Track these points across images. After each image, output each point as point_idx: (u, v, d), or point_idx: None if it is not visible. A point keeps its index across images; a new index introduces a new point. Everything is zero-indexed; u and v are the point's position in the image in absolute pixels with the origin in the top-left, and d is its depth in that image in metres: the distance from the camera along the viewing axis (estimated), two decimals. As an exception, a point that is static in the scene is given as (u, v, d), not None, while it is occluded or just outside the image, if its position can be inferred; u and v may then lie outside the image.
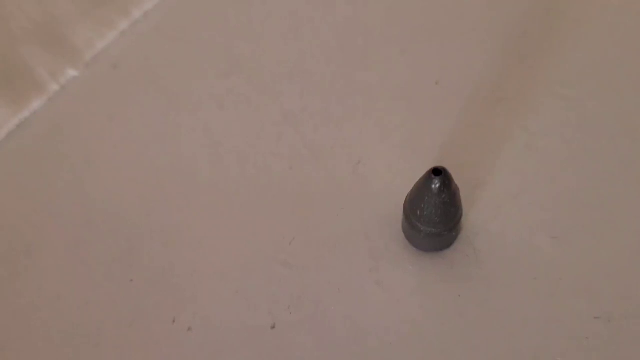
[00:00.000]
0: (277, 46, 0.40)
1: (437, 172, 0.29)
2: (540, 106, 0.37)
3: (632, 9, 0.40)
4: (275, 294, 0.33)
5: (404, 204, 0.32)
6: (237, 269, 0.33)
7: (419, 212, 0.30)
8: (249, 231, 0.34)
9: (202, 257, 0.34)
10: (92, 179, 0.36)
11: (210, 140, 0.37)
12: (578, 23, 0.40)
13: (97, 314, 0.33)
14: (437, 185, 0.29)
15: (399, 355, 0.31)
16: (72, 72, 0.40)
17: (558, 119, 0.36)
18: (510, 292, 0.32)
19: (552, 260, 0.32)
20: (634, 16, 0.40)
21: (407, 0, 0.41)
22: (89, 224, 0.35)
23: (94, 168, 0.37)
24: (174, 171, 0.36)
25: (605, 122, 0.36)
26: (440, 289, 0.32)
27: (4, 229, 0.35)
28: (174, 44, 0.41)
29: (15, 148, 0.38)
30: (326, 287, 0.33)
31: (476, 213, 0.34)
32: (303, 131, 0.37)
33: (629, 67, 0.38)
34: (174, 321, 0.32)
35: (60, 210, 0.35)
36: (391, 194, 0.34)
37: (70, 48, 0.40)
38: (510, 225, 0.33)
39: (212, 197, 0.35)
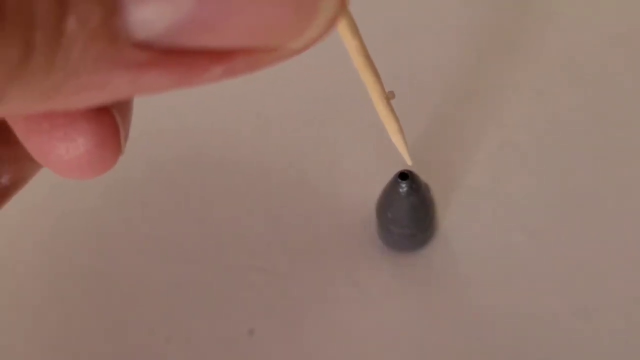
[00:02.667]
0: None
1: (404, 176, 0.28)
2: (513, 101, 0.36)
3: (605, 2, 0.39)
4: (253, 299, 0.33)
5: (376, 206, 0.31)
6: (213, 275, 0.33)
7: (389, 215, 0.30)
8: (223, 236, 0.34)
9: (177, 265, 0.34)
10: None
11: (186, 144, 0.37)
12: (549, 16, 0.39)
13: (75, 327, 0.33)
14: (405, 190, 0.28)
15: (378, 357, 0.31)
16: None
17: (532, 113, 0.36)
18: (487, 290, 0.32)
19: (529, 257, 0.32)
20: (606, 10, 0.39)
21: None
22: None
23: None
24: (150, 181, 0.36)
25: (580, 116, 0.36)
26: (417, 288, 0.32)
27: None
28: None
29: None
30: (303, 291, 0.33)
31: (452, 210, 0.34)
32: (276, 134, 0.37)
33: (603, 60, 0.37)
34: (152, 332, 0.32)
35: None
36: (365, 194, 0.34)
37: None
38: (485, 223, 0.33)
39: (186, 203, 0.35)
